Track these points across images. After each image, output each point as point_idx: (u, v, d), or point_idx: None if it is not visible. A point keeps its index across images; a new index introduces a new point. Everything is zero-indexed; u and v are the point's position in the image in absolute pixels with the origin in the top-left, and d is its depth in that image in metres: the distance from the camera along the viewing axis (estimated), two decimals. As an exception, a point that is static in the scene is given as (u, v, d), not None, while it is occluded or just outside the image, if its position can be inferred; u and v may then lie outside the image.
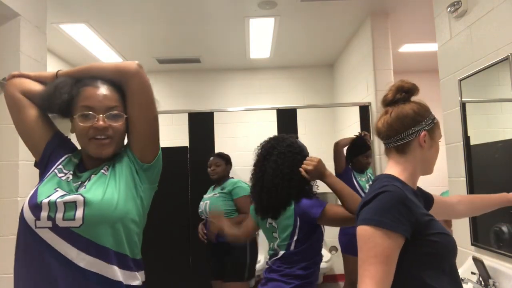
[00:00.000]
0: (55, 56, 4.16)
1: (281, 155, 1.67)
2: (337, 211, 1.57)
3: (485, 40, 1.87)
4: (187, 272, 3.24)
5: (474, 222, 1.98)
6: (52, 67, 4.02)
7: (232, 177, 3.02)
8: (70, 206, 0.96)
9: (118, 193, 1.01)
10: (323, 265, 4.23)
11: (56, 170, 1.07)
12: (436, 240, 0.98)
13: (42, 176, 1.11)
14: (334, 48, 4.41)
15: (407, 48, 4.28)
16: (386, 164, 1.16)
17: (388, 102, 1.17)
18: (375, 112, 3.38)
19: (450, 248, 1.01)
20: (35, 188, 1.04)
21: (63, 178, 1.05)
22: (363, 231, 0.96)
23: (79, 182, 1.05)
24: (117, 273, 0.99)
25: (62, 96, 1.04)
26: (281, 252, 1.63)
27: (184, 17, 3.43)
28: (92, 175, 1.05)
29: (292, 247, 1.61)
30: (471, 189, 1.99)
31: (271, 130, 3.51)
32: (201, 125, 3.35)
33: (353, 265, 3.04)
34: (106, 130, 1.03)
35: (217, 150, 3.41)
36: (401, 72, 4.66)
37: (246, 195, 2.83)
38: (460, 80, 2.05)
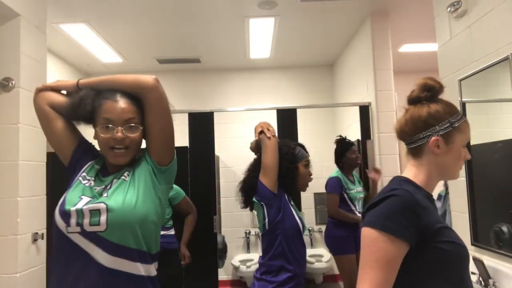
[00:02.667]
0: (55, 56, 4.16)
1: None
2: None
3: (485, 40, 1.87)
4: (188, 272, 3.24)
5: (474, 222, 1.98)
6: (52, 67, 4.02)
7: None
8: (95, 213, 1.08)
9: (137, 197, 1.12)
10: (323, 265, 4.24)
11: (80, 178, 1.19)
12: (446, 249, 0.94)
13: (70, 181, 1.22)
14: (334, 48, 4.41)
15: (407, 48, 4.28)
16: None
17: (411, 100, 1.09)
18: (375, 112, 3.38)
19: (460, 258, 0.97)
20: (64, 196, 1.15)
21: (86, 185, 1.16)
22: (368, 233, 0.95)
23: (103, 186, 1.16)
24: (140, 269, 1.11)
25: (86, 107, 1.15)
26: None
27: (184, 17, 3.43)
28: (114, 180, 1.17)
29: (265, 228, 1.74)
30: (471, 189, 1.99)
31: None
32: (201, 125, 3.34)
33: (347, 264, 3.02)
34: (124, 141, 1.14)
35: (217, 150, 3.41)
36: (401, 72, 4.66)
37: (185, 195, 2.95)
38: (460, 80, 2.05)
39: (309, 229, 4.76)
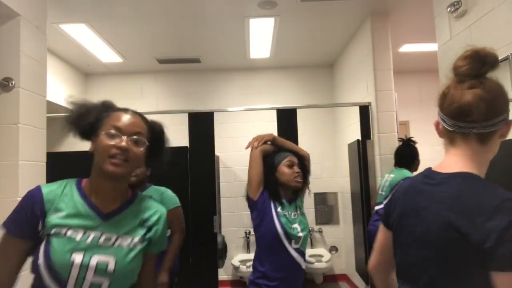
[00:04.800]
0: (55, 56, 4.16)
1: None
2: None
3: (485, 40, 1.87)
4: (188, 272, 3.24)
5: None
6: (52, 67, 4.02)
7: (152, 184, 2.41)
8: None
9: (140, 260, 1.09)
10: (323, 265, 4.24)
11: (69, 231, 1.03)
12: None
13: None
14: (334, 48, 4.41)
15: (407, 48, 4.28)
16: (446, 153, 0.92)
17: (470, 74, 0.88)
18: (375, 112, 3.38)
19: None
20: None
21: (77, 237, 1.02)
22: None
23: (100, 235, 1.04)
24: None
25: (90, 119, 1.10)
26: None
27: (184, 17, 3.44)
28: (120, 239, 1.06)
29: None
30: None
31: (271, 130, 3.50)
32: (201, 125, 3.34)
33: None
34: (126, 152, 1.05)
35: (217, 150, 3.41)
36: (401, 72, 4.67)
37: (178, 205, 2.39)
38: (460, 80, 2.05)
39: (309, 229, 4.76)
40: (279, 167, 1.91)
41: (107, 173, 1.04)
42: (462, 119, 0.87)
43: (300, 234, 1.85)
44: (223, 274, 4.67)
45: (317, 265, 4.23)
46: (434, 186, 0.88)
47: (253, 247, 4.76)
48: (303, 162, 1.98)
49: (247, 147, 1.98)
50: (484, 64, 0.87)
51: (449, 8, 2.12)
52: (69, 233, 1.00)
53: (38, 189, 1.07)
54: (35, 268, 1.00)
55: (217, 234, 3.32)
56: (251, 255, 4.59)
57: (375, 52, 3.40)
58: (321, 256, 4.43)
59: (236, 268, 4.31)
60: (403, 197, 0.96)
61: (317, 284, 4.54)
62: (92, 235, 1.02)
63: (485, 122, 0.85)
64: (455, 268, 0.78)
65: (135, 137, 1.08)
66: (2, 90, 2.15)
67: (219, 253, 3.38)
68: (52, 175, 2.58)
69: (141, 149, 1.09)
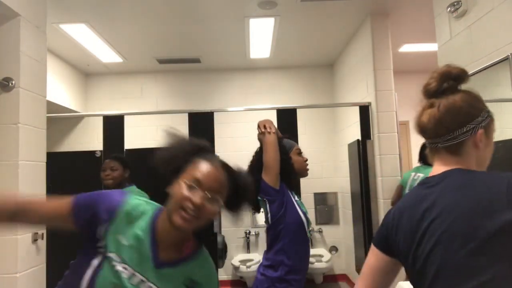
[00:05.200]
0: (55, 56, 4.16)
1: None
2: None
3: (485, 40, 1.87)
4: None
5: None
6: (52, 67, 4.02)
7: (133, 184, 2.67)
8: None
9: None
10: (323, 265, 4.24)
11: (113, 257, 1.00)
12: None
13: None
14: (334, 48, 4.41)
15: (407, 48, 4.28)
16: (434, 165, 0.98)
17: (432, 93, 0.95)
18: (375, 112, 3.38)
19: None
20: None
21: (124, 276, 0.99)
22: None
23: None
24: None
25: (179, 163, 1.08)
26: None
27: (184, 17, 3.44)
28: None
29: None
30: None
31: (271, 130, 3.48)
32: (201, 125, 3.34)
33: None
34: (199, 209, 1.01)
35: (217, 150, 3.41)
36: (401, 72, 4.66)
37: None
38: (460, 80, 2.05)
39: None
40: (291, 153, 1.87)
41: (173, 224, 1.01)
42: (424, 136, 0.96)
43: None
44: (223, 274, 4.67)
45: (317, 265, 4.23)
46: (434, 186, 0.90)
47: (253, 247, 4.77)
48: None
49: (260, 133, 1.83)
50: (446, 80, 0.94)
51: (449, 8, 2.12)
52: (120, 267, 0.99)
53: (126, 195, 1.06)
54: (77, 274, 0.99)
55: (217, 234, 3.32)
56: (251, 255, 4.60)
57: (375, 52, 3.40)
58: (321, 256, 4.43)
59: (236, 268, 4.31)
60: (407, 214, 0.93)
61: (317, 284, 4.54)
62: (137, 279, 1.00)
63: (445, 137, 0.92)
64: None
65: (212, 194, 1.03)
66: (2, 90, 2.15)
67: (219, 253, 3.39)
68: (52, 175, 2.59)
69: (215, 208, 1.04)
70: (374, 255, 1.01)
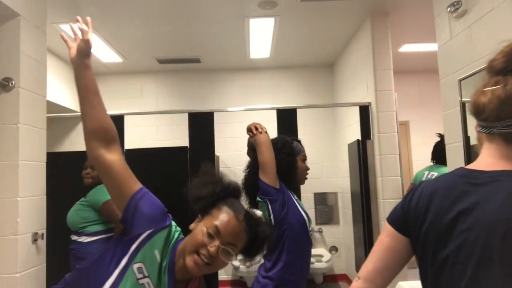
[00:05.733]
0: (55, 56, 4.16)
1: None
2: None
3: (485, 40, 1.87)
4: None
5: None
6: (52, 67, 4.02)
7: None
8: None
9: None
10: (323, 265, 4.24)
11: (134, 268, 0.99)
12: None
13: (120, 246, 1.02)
14: (334, 48, 4.41)
15: (407, 48, 4.28)
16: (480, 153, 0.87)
17: (498, 70, 0.82)
18: (375, 112, 3.38)
19: None
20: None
21: (140, 282, 0.99)
22: None
23: None
24: None
25: (207, 203, 1.09)
26: None
27: (184, 17, 3.43)
28: None
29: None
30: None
31: (271, 130, 3.48)
32: (201, 125, 3.34)
33: None
34: (212, 258, 1.02)
35: (217, 150, 3.41)
36: (401, 72, 4.67)
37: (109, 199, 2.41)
38: (460, 80, 2.05)
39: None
40: (297, 157, 1.85)
41: (186, 265, 1.01)
42: (479, 118, 0.84)
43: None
44: (223, 274, 4.67)
45: (317, 265, 4.23)
46: (479, 186, 0.79)
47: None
48: None
49: (252, 135, 1.83)
50: None
51: (449, 8, 2.12)
52: (144, 281, 1.00)
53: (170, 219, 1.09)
54: (93, 283, 0.98)
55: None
56: (251, 255, 4.60)
57: (375, 52, 3.40)
58: (321, 256, 4.43)
59: (236, 268, 4.31)
60: (437, 200, 0.84)
61: (317, 284, 4.54)
62: None
63: (505, 121, 0.79)
64: None
65: (228, 247, 1.03)
66: (2, 90, 2.15)
67: (219, 253, 3.38)
68: (52, 175, 2.59)
69: (228, 260, 1.05)
70: (389, 234, 0.92)
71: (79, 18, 1.11)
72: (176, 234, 1.09)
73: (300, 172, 1.85)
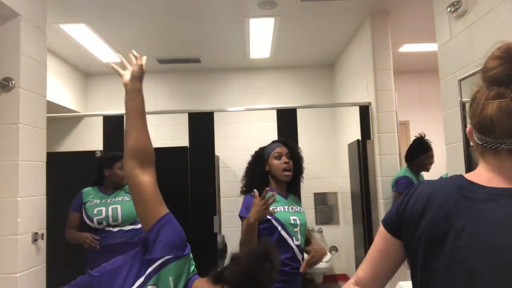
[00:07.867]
0: (55, 56, 4.16)
1: None
2: None
3: (485, 40, 1.87)
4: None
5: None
6: (52, 67, 4.02)
7: None
8: None
9: None
10: (323, 265, 4.24)
11: None
12: None
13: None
14: (334, 48, 4.41)
15: (407, 48, 4.28)
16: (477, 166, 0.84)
17: (501, 81, 0.74)
18: (375, 112, 3.38)
19: None
20: None
21: None
22: None
23: None
24: None
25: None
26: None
27: (184, 17, 3.43)
28: None
29: None
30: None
31: (271, 130, 3.50)
32: (201, 125, 3.34)
33: None
34: None
35: (217, 150, 3.41)
36: (401, 72, 4.66)
37: None
38: (460, 80, 2.05)
39: (309, 229, 4.77)
40: (269, 160, 1.86)
41: None
42: (487, 134, 0.77)
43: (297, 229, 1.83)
44: None
45: (317, 265, 4.23)
46: (477, 203, 0.75)
47: (253, 247, 4.77)
48: (293, 152, 1.91)
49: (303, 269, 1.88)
50: None
51: (449, 8, 2.12)
52: None
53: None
54: None
55: (217, 234, 3.32)
56: (251, 255, 4.60)
57: (375, 52, 3.40)
58: (321, 256, 4.43)
59: None
60: (433, 208, 0.81)
61: (317, 284, 4.54)
62: None
63: None
64: None
65: None
66: (2, 90, 2.15)
67: (219, 253, 3.39)
68: (52, 175, 2.59)
69: None
70: (383, 237, 0.92)
71: (133, 51, 1.25)
72: (192, 267, 1.10)
73: (274, 170, 1.85)
